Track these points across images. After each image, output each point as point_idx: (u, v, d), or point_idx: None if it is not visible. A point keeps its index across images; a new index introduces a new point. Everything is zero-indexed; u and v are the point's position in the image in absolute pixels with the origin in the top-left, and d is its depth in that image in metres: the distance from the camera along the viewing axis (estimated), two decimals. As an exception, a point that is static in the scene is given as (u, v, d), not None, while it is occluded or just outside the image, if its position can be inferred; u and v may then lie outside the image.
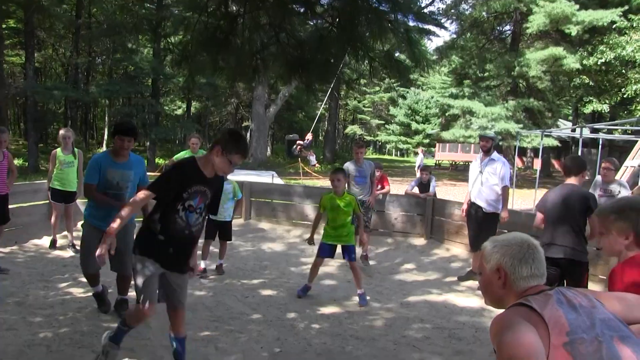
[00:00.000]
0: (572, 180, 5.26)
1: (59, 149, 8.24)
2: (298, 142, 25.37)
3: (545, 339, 1.78)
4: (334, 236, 6.65)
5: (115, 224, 3.67)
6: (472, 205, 7.84)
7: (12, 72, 43.98)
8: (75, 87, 30.45)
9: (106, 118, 43.73)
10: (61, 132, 8.40)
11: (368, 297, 6.55)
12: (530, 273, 2.02)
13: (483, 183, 7.66)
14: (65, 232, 8.65)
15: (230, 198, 7.59)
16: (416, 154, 53.55)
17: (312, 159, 25.68)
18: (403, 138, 52.35)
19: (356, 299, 6.55)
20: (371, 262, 8.63)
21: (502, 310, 2.04)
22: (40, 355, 4.46)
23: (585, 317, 1.86)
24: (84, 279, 6.76)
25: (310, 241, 6.98)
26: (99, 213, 5.22)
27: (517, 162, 23.64)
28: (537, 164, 21.39)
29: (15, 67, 42.36)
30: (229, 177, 7.59)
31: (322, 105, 32.59)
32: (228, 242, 7.71)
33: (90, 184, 5.17)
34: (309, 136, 25.96)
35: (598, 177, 7.80)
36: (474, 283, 7.52)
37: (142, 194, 3.71)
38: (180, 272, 4.00)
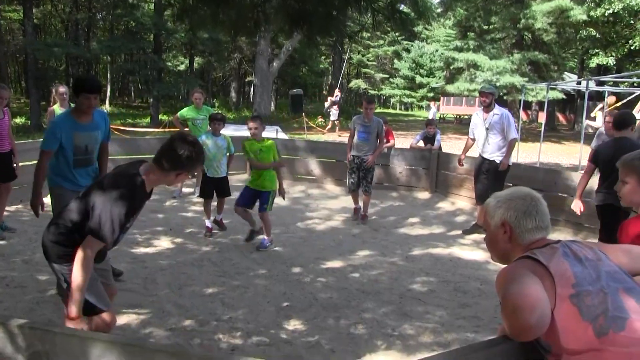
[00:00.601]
0: (625, 134, 5.47)
1: (56, 106, 8.00)
2: (331, 99, 25.66)
3: (551, 291, 1.79)
4: (256, 182, 6.70)
5: None
6: (482, 161, 7.75)
7: (11, 29, 43.35)
8: (76, 44, 30.16)
9: (108, 75, 43.45)
10: (61, 89, 8.17)
11: (374, 251, 6.59)
12: (534, 225, 2.02)
13: (490, 140, 7.56)
14: None
15: (224, 154, 7.52)
16: (421, 107, 53.18)
17: (335, 113, 25.64)
18: (407, 92, 51.87)
19: (361, 253, 6.59)
20: (376, 217, 8.66)
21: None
22: (49, 311, 4.52)
23: (591, 270, 1.86)
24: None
25: None
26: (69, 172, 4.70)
27: (522, 115, 23.42)
28: (542, 117, 21.21)
29: (14, 23, 41.72)
30: (223, 132, 7.64)
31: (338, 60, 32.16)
32: (228, 197, 7.67)
33: (48, 150, 4.53)
34: (337, 92, 26.23)
35: (602, 129, 7.73)
36: (479, 236, 7.52)
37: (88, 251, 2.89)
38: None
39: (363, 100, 9.48)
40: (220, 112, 11.29)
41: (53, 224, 3.17)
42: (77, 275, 2.83)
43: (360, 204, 8.43)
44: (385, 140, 9.54)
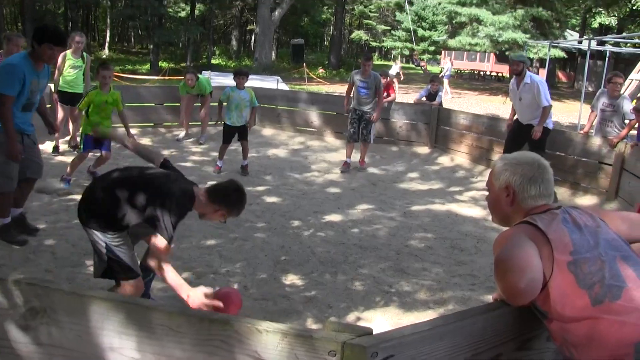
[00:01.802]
0: None
1: (68, 52, 8.14)
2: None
3: (549, 257, 1.79)
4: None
5: None
6: (519, 125, 7.49)
7: (8, -31, 42.49)
8: (75, -14, 29.49)
9: (108, 20, 42.78)
10: (77, 37, 8.36)
11: (373, 206, 6.61)
12: (538, 192, 2.00)
13: (523, 107, 7.34)
14: (68, 138, 8.65)
15: (247, 105, 8.02)
16: (422, 60, 52.51)
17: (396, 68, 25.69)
18: (409, 45, 51.17)
19: (360, 207, 6.63)
20: (374, 171, 8.66)
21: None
22: (45, 260, 4.53)
23: (589, 237, 1.85)
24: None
25: None
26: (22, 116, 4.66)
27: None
28: (543, 74, 20.97)
29: (11, -37, 40.90)
30: (247, 85, 8.15)
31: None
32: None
33: (9, 95, 4.37)
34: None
35: (604, 89, 7.61)
36: (477, 193, 7.54)
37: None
38: None
39: (362, 57, 9.55)
40: (241, 67, 12.11)
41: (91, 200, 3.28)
42: (167, 277, 3.05)
43: (359, 154, 8.75)
44: (386, 94, 9.55)
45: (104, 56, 37.74)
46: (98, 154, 6.96)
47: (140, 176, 3.31)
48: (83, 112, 6.86)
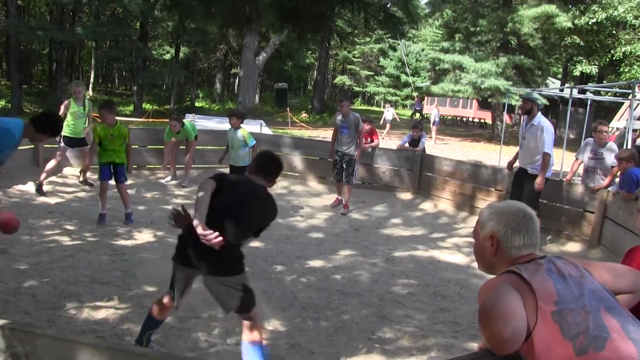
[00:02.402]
0: None
1: (72, 100, 8.63)
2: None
3: (533, 307, 1.80)
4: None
5: None
6: (518, 169, 7.55)
7: (-6, 10, 42.75)
8: (61, 28, 29.68)
9: (92, 60, 42.91)
10: (79, 88, 8.88)
11: (355, 252, 6.62)
12: (522, 242, 2.02)
13: (524, 147, 7.34)
14: (53, 178, 8.84)
15: (242, 145, 8.44)
16: (405, 106, 53.28)
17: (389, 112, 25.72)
18: (392, 90, 51.97)
19: (342, 252, 6.62)
20: (357, 216, 8.69)
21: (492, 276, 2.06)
22: (25, 303, 4.46)
23: (574, 287, 1.87)
24: (70, 227, 6.77)
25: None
26: None
27: (506, 118, 23.60)
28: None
29: (-4, 3, 41.19)
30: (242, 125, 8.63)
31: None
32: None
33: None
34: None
35: (590, 139, 7.74)
36: (460, 239, 7.58)
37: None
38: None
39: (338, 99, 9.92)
40: (236, 108, 12.50)
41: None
42: None
43: (342, 195, 9.01)
44: (369, 139, 9.71)
45: (88, 97, 37.76)
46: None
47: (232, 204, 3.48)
48: (97, 145, 7.16)
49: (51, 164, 8.47)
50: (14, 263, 5.18)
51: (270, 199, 3.64)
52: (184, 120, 10.41)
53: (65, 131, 8.36)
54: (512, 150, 20.62)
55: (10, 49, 26.71)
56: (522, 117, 7.58)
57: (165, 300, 3.70)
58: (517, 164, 7.74)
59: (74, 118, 8.57)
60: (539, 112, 7.28)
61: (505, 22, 25.55)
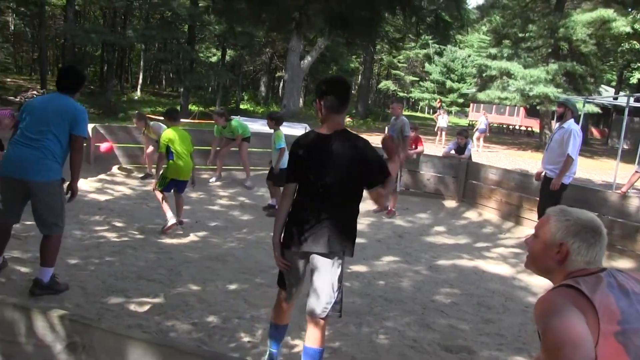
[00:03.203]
0: None
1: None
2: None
3: (594, 326, 1.68)
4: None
5: None
6: (544, 175, 7.42)
7: (53, 14, 44.21)
8: (112, 31, 30.49)
9: (141, 62, 43.88)
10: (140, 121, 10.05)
11: (398, 258, 6.58)
12: (593, 259, 1.91)
13: (549, 149, 7.26)
14: (102, 175, 9.43)
15: (275, 147, 8.47)
16: (450, 112, 52.76)
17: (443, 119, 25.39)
18: (437, 96, 51.57)
19: (385, 259, 6.59)
20: (400, 222, 8.64)
21: (545, 282, 1.98)
22: (76, 295, 4.57)
23: (638, 305, 1.75)
24: (118, 224, 6.92)
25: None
26: None
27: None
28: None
29: (56, 9, 42.58)
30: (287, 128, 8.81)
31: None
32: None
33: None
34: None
35: None
36: (505, 250, 7.45)
37: None
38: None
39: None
40: (276, 111, 12.82)
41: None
42: None
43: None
44: (414, 146, 9.67)
45: (136, 97, 38.62)
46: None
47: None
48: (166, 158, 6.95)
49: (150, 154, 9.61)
50: (66, 257, 5.33)
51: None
52: (233, 118, 10.58)
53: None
54: (560, 160, 20.26)
55: (66, 51, 27.52)
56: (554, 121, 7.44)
57: (283, 298, 3.60)
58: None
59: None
60: (572, 119, 7.17)
61: (556, 27, 24.93)
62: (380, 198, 3.45)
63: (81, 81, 4.76)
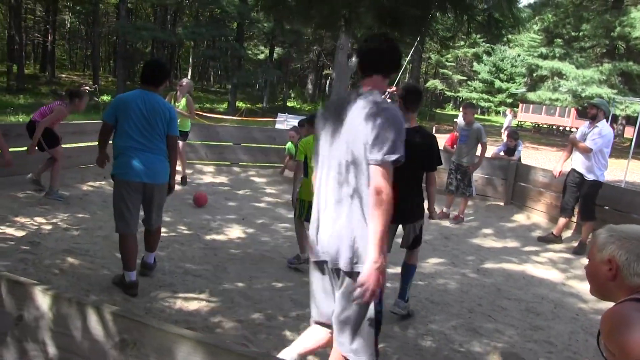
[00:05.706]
0: None
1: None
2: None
3: None
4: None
5: None
6: (571, 172, 7.59)
7: (106, 12, 45.38)
8: (163, 28, 31.05)
9: (190, 59, 44.52)
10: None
11: (445, 260, 6.50)
12: None
13: (579, 152, 7.42)
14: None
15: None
16: (498, 113, 51.90)
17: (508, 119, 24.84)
18: (485, 96, 50.78)
19: (432, 260, 6.51)
20: (447, 224, 8.53)
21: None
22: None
23: None
24: (166, 218, 7.02)
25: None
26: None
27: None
28: (630, 132, 20.17)
29: (110, 7, 43.67)
30: None
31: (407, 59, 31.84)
32: None
33: None
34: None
35: None
36: (555, 255, 7.27)
37: None
38: None
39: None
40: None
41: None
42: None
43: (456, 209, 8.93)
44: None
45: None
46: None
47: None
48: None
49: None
50: (116, 251, 5.43)
51: None
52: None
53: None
54: (615, 163, 19.63)
55: (118, 48, 28.21)
56: (587, 121, 7.51)
57: None
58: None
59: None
60: (604, 120, 7.38)
61: (612, 26, 24.12)
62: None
63: (166, 75, 4.89)
